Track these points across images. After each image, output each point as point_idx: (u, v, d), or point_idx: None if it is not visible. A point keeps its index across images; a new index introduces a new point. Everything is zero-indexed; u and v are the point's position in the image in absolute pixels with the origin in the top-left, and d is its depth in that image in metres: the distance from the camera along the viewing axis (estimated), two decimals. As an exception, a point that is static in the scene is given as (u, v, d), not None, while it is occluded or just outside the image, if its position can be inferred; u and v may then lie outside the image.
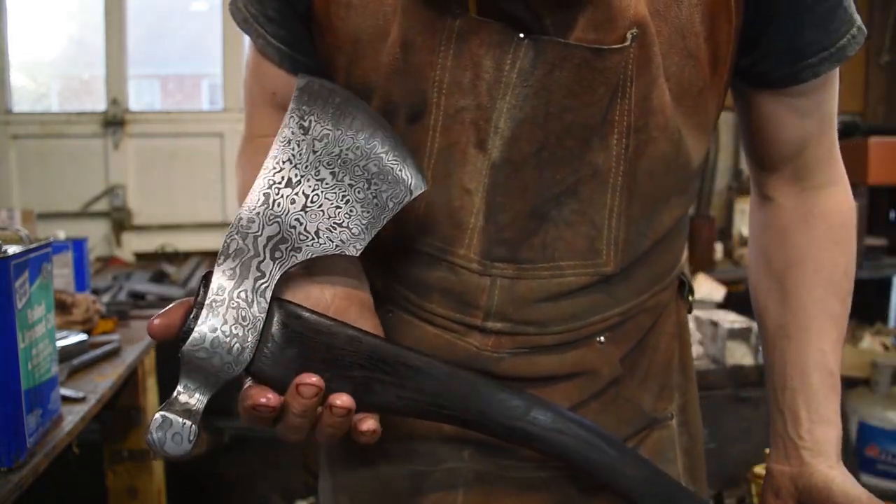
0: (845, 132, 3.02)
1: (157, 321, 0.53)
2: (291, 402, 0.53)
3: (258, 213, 0.55)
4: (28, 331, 0.92)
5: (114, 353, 1.52)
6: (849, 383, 2.88)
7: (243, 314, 0.53)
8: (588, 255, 0.66)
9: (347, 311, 0.58)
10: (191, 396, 0.52)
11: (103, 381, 1.32)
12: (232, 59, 3.32)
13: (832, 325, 0.71)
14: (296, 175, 0.56)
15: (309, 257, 0.55)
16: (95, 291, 2.11)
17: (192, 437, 0.52)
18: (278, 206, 0.55)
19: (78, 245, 1.87)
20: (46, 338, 0.99)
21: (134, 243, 3.29)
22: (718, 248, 3.21)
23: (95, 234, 3.15)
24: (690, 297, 0.82)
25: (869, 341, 3.04)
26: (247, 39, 0.69)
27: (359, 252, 0.56)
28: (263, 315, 0.53)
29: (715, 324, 2.40)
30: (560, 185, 0.63)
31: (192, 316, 0.53)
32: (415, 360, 0.57)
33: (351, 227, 0.56)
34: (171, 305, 0.54)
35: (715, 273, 2.97)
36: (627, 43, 0.59)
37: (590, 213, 0.64)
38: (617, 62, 0.59)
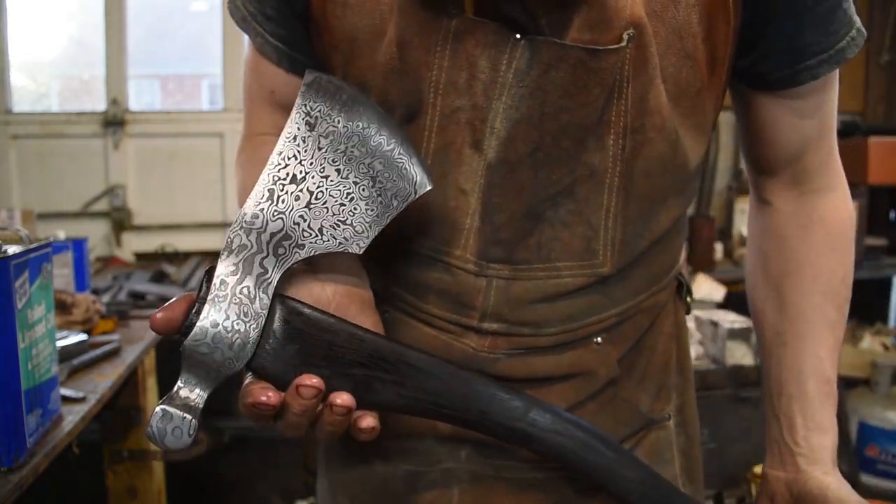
0: (845, 132, 3.02)
1: (159, 315, 0.53)
2: (291, 402, 0.53)
3: (262, 209, 0.55)
4: (28, 331, 0.92)
5: (114, 353, 1.52)
6: (849, 383, 2.88)
7: (245, 310, 0.53)
8: (584, 256, 0.65)
9: (348, 309, 0.59)
10: (191, 391, 0.53)
11: (103, 381, 1.32)
12: (232, 59, 3.32)
13: (829, 332, 0.71)
14: (301, 171, 0.56)
15: (312, 254, 0.55)
16: (95, 291, 2.11)
17: (191, 432, 0.52)
18: (282, 202, 0.55)
19: (78, 245, 1.87)
20: (46, 338, 0.99)
21: (134, 243, 3.29)
22: (718, 248, 3.21)
23: (95, 234, 3.15)
24: (688, 299, 0.81)
25: (869, 341, 3.04)
26: (246, 39, 0.69)
27: (362, 250, 0.56)
28: (265, 311, 0.54)
29: (715, 324, 2.40)
30: (556, 185, 0.63)
31: (194, 311, 0.53)
32: (415, 358, 0.57)
33: (354, 224, 0.56)
34: (173, 300, 0.54)
35: (715, 273, 2.97)
36: (623, 43, 0.58)
37: (586, 214, 0.64)
38: (613, 63, 0.59)
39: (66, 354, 1.36)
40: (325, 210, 0.56)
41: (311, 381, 0.52)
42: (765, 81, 0.67)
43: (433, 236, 0.66)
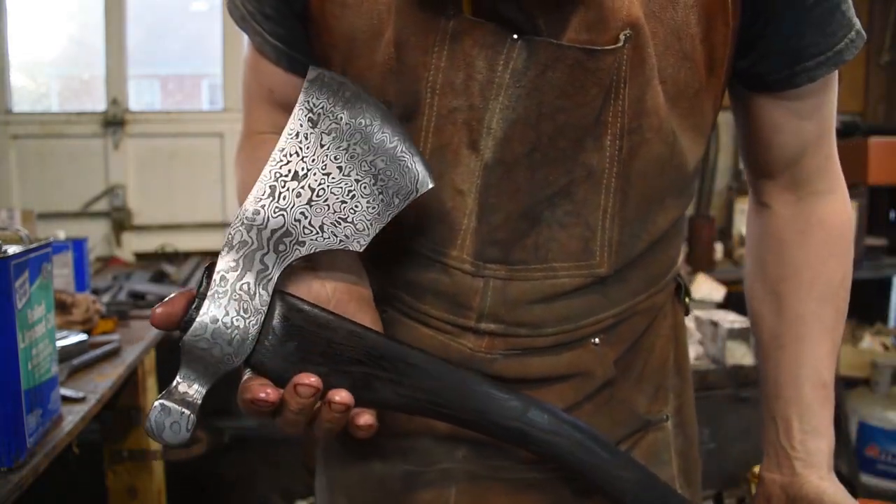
0: (845, 132, 3.02)
1: (159, 310, 0.53)
2: (289, 400, 0.53)
3: (263, 206, 0.55)
4: (28, 331, 0.92)
5: (114, 353, 1.52)
6: (849, 383, 2.88)
7: (245, 306, 0.53)
8: (582, 257, 0.65)
9: (347, 306, 0.59)
10: (190, 386, 0.53)
11: (103, 381, 1.32)
12: (232, 59, 3.32)
13: (827, 335, 0.72)
14: (302, 168, 0.56)
15: (312, 251, 0.56)
16: (95, 291, 2.11)
17: (189, 427, 0.52)
18: (284, 198, 0.55)
19: (78, 245, 1.87)
20: (46, 338, 0.99)
21: (134, 243, 3.29)
22: (718, 248, 3.21)
23: (95, 234, 3.15)
24: (687, 300, 0.81)
25: (869, 341, 3.04)
26: (246, 38, 0.69)
27: (363, 248, 0.57)
28: (265, 307, 0.54)
29: (715, 324, 2.39)
30: (553, 186, 0.63)
31: (193, 306, 0.53)
32: (414, 357, 0.57)
33: (355, 222, 0.56)
34: (173, 295, 0.54)
35: (715, 273, 2.97)
36: (620, 44, 0.58)
37: (583, 215, 0.64)
38: (610, 63, 0.59)
39: (66, 354, 1.37)
40: (327, 207, 0.56)
41: (310, 380, 0.52)
42: (763, 83, 0.67)
43: (430, 237, 0.65)
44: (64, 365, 1.31)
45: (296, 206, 0.55)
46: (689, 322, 2.49)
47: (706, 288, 2.81)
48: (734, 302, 2.73)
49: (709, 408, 2.30)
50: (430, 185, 0.58)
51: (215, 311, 0.53)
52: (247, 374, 0.55)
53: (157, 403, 0.52)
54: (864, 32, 0.65)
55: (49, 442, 1.01)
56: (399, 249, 0.67)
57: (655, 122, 0.62)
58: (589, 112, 0.60)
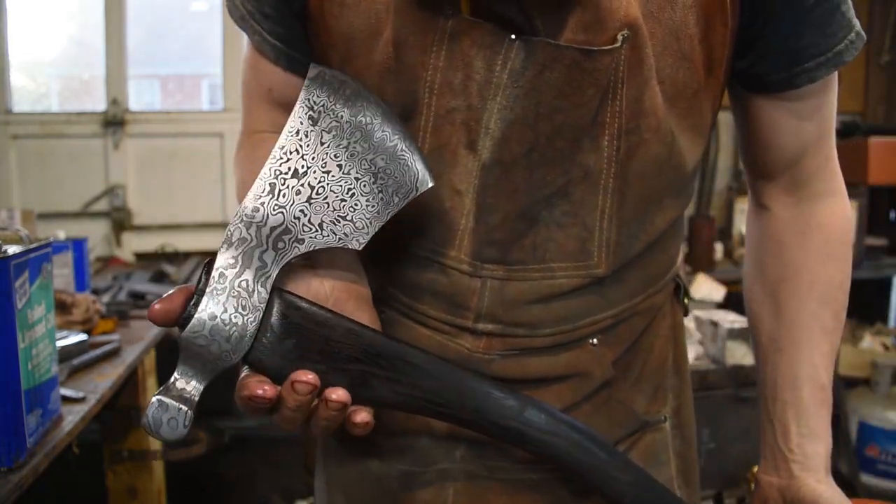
0: (845, 132, 3.02)
1: (157, 306, 0.53)
2: (286, 397, 0.53)
3: (263, 203, 0.55)
4: (28, 331, 0.92)
5: (114, 353, 1.52)
6: (849, 383, 2.88)
7: (243, 303, 0.53)
8: (579, 257, 0.65)
9: (346, 304, 0.59)
10: (187, 383, 0.53)
11: (103, 381, 1.32)
12: (232, 59, 3.32)
13: (825, 339, 0.71)
14: (302, 166, 0.56)
15: (311, 249, 0.56)
16: (95, 291, 2.11)
17: (187, 423, 0.52)
18: (283, 196, 0.55)
19: (78, 245, 1.87)
20: (46, 338, 0.99)
21: (134, 243, 3.29)
22: (718, 248, 3.21)
23: (95, 234, 3.15)
24: (686, 300, 0.81)
25: (869, 341, 3.04)
26: (246, 38, 0.69)
27: (361, 246, 0.57)
28: (263, 305, 0.54)
29: (715, 324, 2.39)
30: (550, 186, 0.63)
31: (192, 303, 0.53)
32: (412, 355, 0.57)
33: (355, 220, 0.56)
34: (172, 291, 0.54)
35: (715, 273, 2.97)
36: (618, 44, 0.58)
37: (581, 215, 0.64)
38: (607, 63, 0.59)
39: (66, 354, 1.37)
40: (326, 205, 0.56)
41: (307, 377, 0.52)
42: (762, 84, 0.67)
43: (428, 237, 0.65)
44: (64, 365, 1.31)
45: (295, 203, 0.55)
46: (689, 322, 2.49)
47: (706, 288, 2.81)
48: (734, 302, 2.73)
49: (709, 408, 2.30)
50: (430, 184, 0.58)
51: (213, 308, 0.53)
52: (244, 372, 0.55)
53: (154, 399, 0.52)
54: (864, 33, 0.64)
55: (49, 442, 1.01)
56: (397, 249, 0.67)
57: (653, 123, 0.62)
58: (586, 112, 0.60)
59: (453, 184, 0.63)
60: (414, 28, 0.60)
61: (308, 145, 0.56)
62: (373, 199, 0.57)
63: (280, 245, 0.55)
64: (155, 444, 1.76)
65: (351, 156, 0.57)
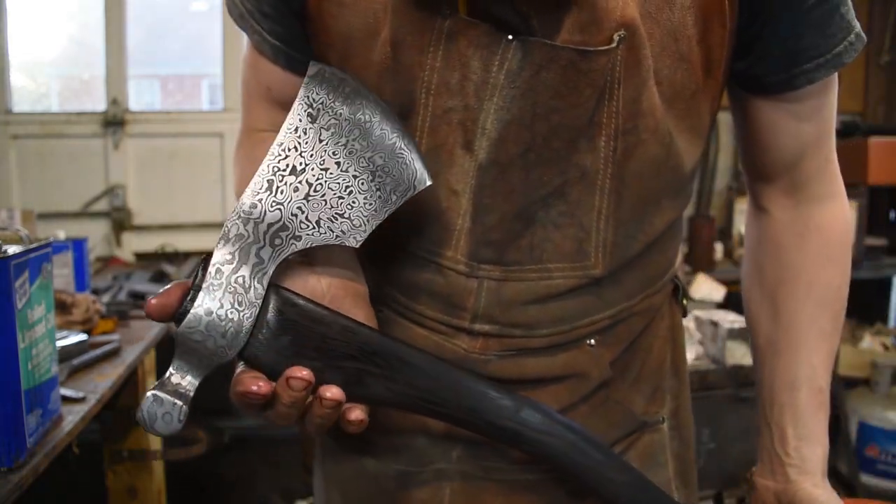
0: (845, 132, 3.02)
1: (154, 301, 0.53)
2: (281, 394, 0.53)
3: (261, 200, 0.55)
4: (28, 331, 0.92)
5: (114, 353, 1.52)
6: (849, 383, 2.89)
7: (239, 299, 0.53)
8: (576, 258, 0.65)
9: (342, 302, 0.59)
10: (183, 378, 0.53)
11: (103, 381, 1.32)
12: (232, 59, 3.32)
13: (823, 342, 0.71)
14: (301, 163, 0.56)
15: (308, 246, 0.56)
16: (95, 291, 2.11)
17: (181, 418, 0.52)
18: (281, 193, 0.55)
19: (78, 245, 1.87)
20: (46, 338, 0.99)
21: (134, 243, 3.29)
22: (718, 248, 3.21)
23: (95, 234, 3.15)
24: (684, 301, 0.81)
25: (869, 341, 3.04)
26: (246, 38, 0.69)
27: (359, 244, 0.57)
28: (259, 301, 0.54)
29: (715, 324, 2.40)
30: (547, 186, 0.63)
31: (188, 298, 0.53)
32: (407, 354, 0.57)
33: (352, 218, 0.56)
34: (169, 286, 0.54)
35: (715, 273, 2.97)
36: (614, 45, 0.58)
37: (577, 215, 0.64)
38: (603, 64, 0.59)
39: (66, 354, 1.37)
40: (324, 202, 0.56)
41: (301, 373, 0.52)
42: (761, 85, 0.67)
43: (425, 237, 0.65)
44: (64, 365, 1.31)
45: (293, 200, 0.55)
46: (689, 322, 2.49)
47: (706, 288, 2.81)
48: (734, 302, 2.73)
49: (709, 408, 2.30)
50: (428, 183, 0.58)
51: (210, 304, 0.53)
52: (240, 368, 0.55)
53: (149, 394, 0.52)
54: (863, 35, 0.64)
55: (49, 442, 1.01)
56: (394, 249, 0.67)
57: (651, 123, 0.62)
58: (583, 113, 0.60)
59: (450, 184, 0.63)
60: (411, 28, 0.60)
61: (307, 142, 0.56)
62: (370, 196, 0.57)
63: (277, 242, 0.55)
64: (155, 444, 1.76)
65: (349, 153, 0.57)
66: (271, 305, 0.55)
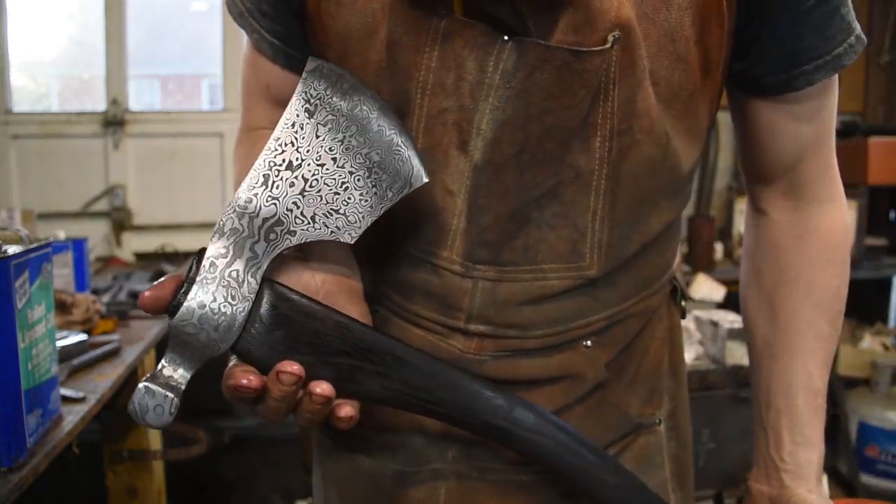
0: (845, 132, 3.02)
1: (147, 293, 0.53)
2: (271, 388, 0.53)
3: (256, 194, 0.55)
4: (28, 331, 0.92)
5: (114, 353, 1.52)
6: (849, 383, 2.89)
7: (233, 293, 0.53)
8: (571, 259, 0.65)
9: (337, 297, 0.59)
10: (175, 370, 0.53)
11: (103, 381, 1.32)
12: (232, 59, 3.32)
13: (820, 346, 0.71)
14: (297, 158, 0.56)
15: (303, 241, 0.56)
16: (95, 291, 2.11)
17: (173, 410, 0.53)
18: (277, 188, 0.55)
19: (78, 245, 1.87)
20: (46, 338, 0.99)
21: (134, 243, 3.29)
22: (718, 248, 3.21)
23: (95, 234, 3.15)
24: (683, 303, 0.81)
25: (869, 341, 3.04)
26: (246, 37, 0.70)
27: (353, 240, 0.57)
28: (253, 295, 0.54)
29: (715, 324, 2.40)
30: (541, 187, 0.63)
31: (182, 291, 0.53)
32: (400, 350, 0.57)
33: (347, 214, 0.56)
34: (163, 279, 0.55)
35: (715, 273, 2.97)
36: (608, 45, 0.58)
37: (572, 216, 0.64)
38: (597, 64, 0.58)
39: (66, 354, 1.37)
40: (319, 198, 0.56)
41: (292, 367, 0.53)
42: (760, 86, 0.66)
43: (420, 237, 0.65)
44: (64, 365, 1.31)
45: (288, 195, 0.55)
46: (690, 322, 2.49)
47: (706, 288, 2.81)
48: (734, 302, 2.72)
49: (709, 408, 2.30)
50: (425, 180, 0.57)
51: (203, 297, 0.53)
52: (233, 361, 0.56)
53: (141, 386, 0.52)
54: (864, 37, 0.63)
55: (49, 442, 1.01)
56: (390, 249, 0.67)
57: (646, 124, 0.61)
58: (576, 113, 0.60)
59: (445, 184, 0.63)
60: (407, 28, 0.60)
61: (303, 138, 0.56)
62: (366, 193, 0.57)
63: (272, 236, 0.55)
64: (155, 444, 1.76)
65: (346, 149, 0.57)
66: (265, 300, 0.55)
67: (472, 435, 0.61)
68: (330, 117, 0.57)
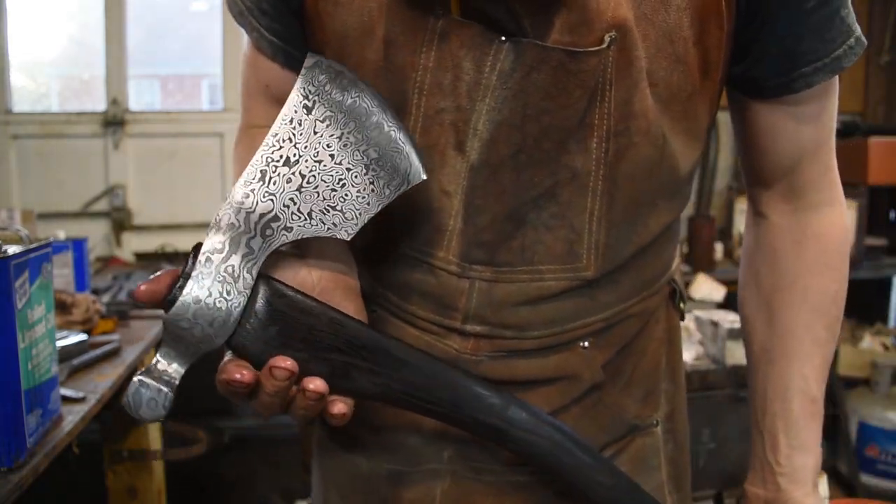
0: (845, 132, 3.01)
1: (143, 287, 0.53)
2: (265, 383, 0.54)
3: (253, 190, 0.55)
4: (28, 331, 0.92)
5: (114, 353, 1.52)
6: (849, 383, 2.88)
7: (228, 288, 0.53)
8: (567, 259, 0.65)
9: (332, 294, 0.59)
10: (169, 365, 0.53)
11: (103, 381, 1.32)
12: (232, 59, 3.32)
13: (817, 350, 0.71)
14: (294, 154, 0.56)
15: (299, 237, 0.56)
16: (95, 291, 2.11)
17: (166, 404, 0.53)
18: (274, 184, 0.55)
19: (78, 245, 1.88)
20: (46, 338, 0.99)
21: (134, 243, 3.29)
22: (718, 248, 3.21)
23: (95, 234, 3.15)
24: (682, 304, 0.80)
25: (869, 341, 3.04)
26: (246, 36, 0.70)
27: (350, 236, 0.56)
28: (248, 291, 0.54)
29: (715, 324, 2.40)
30: (538, 187, 0.63)
31: (178, 285, 0.53)
32: (395, 348, 0.57)
33: (344, 210, 0.56)
34: (159, 273, 0.55)
35: (715, 273, 2.97)
36: (604, 46, 0.58)
37: (569, 217, 0.64)
38: (594, 65, 0.58)
39: (66, 354, 1.36)
40: (316, 194, 0.56)
41: (285, 363, 0.53)
42: (759, 88, 0.66)
43: (417, 237, 0.65)
44: (64, 365, 1.31)
45: (285, 191, 0.55)
46: (690, 322, 2.49)
47: (706, 288, 2.81)
48: (734, 302, 2.72)
49: (709, 408, 2.30)
50: (423, 177, 0.57)
51: (198, 292, 0.53)
52: (227, 356, 0.56)
53: (135, 380, 0.52)
54: (864, 39, 0.63)
55: (49, 442, 1.01)
56: (386, 249, 0.67)
57: (643, 125, 0.61)
58: (573, 114, 0.60)
59: (442, 184, 0.63)
60: (404, 28, 0.60)
61: (301, 134, 0.56)
62: (364, 189, 0.56)
63: (268, 232, 0.55)
64: (155, 444, 1.76)
65: (344, 146, 0.57)
66: (260, 295, 0.55)
67: (468, 435, 0.61)
68: (328, 113, 0.57)
